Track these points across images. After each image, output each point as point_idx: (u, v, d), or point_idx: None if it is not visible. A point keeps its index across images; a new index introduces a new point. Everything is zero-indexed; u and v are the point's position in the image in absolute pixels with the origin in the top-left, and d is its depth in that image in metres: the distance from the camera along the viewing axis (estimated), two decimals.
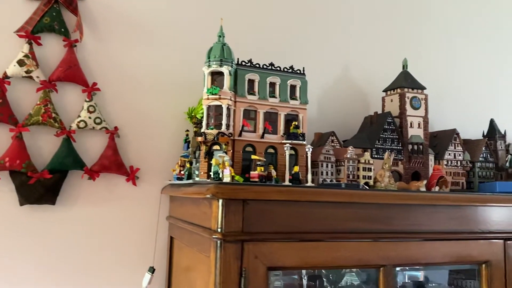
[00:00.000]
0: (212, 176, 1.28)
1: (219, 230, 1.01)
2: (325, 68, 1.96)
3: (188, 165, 1.40)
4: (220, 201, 1.02)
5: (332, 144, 1.64)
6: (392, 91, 1.79)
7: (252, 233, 1.03)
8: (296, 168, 1.35)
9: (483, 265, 1.28)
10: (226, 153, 1.32)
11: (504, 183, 1.59)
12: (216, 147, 1.35)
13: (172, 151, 1.62)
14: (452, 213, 1.24)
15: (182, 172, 1.41)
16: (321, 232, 1.09)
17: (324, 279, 1.66)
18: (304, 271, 1.62)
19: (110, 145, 1.54)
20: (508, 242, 1.31)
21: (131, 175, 1.57)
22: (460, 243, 1.24)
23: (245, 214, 1.03)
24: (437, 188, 1.63)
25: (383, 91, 1.83)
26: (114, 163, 1.53)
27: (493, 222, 1.30)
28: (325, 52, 1.96)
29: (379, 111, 1.81)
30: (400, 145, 1.70)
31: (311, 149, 1.37)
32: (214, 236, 1.01)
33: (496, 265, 1.28)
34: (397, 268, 1.66)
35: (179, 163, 1.45)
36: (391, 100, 1.79)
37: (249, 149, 1.37)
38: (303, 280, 1.67)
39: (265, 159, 1.34)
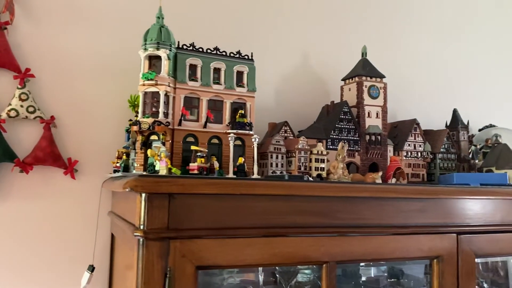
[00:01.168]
0: (148, 168, 1.20)
1: (141, 227, 0.92)
2: (283, 55, 1.87)
3: (124, 156, 1.30)
4: (143, 195, 0.93)
5: (285, 134, 1.56)
6: (350, 79, 1.72)
7: (180, 229, 0.95)
8: (241, 160, 1.27)
9: (435, 260, 1.22)
10: (164, 143, 1.23)
11: (462, 175, 1.54)
12: (154, 137, 1.25)
13: (115, 142, 1.51)
14: (401, 206, 1.17)
15: (118, 164, 1.31)
16: (257, 228, 1.01)
17: (278, 276, 1.59)
18: (260, 268, 1.55)
19: (45, 135, 1.43)
20: (461, 236, 1.25)
21: (69, 167, 1.46)
22: (410, 238, 1.18)
23: (171, 209, 0.94)
24: (393, 180, 1.57)
25: (342, 79, 1.76)
26: (49, 155, 1.42)
27: (445, 215, 1.24)
28: (283, 39, 1.87)
29: (339, 101, 1.74)
30: (357, 136, 1.63)
31: (257, 139, 1.29)
32: (136, 234, 0.92)
33: (448, 260, 1.22)
34: (361, 264, 1.61)
35: (117, 155, 1.35)
36: (349, 89, 1.71)
37: (190, 139, 1.28)
38: (260, 276, 1.59)
39: (206, 150, 1.25)
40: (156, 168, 1.17)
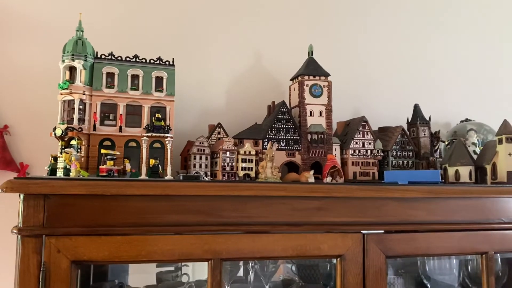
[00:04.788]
0: (63, 171, 1.30)
1: (19, 225, 1.02)
2: (235, 56, 1.90)
3: (52, 161, 1.41)
4: (21, 196, 1.02)
5: (219, 135, 1.60)
6: (295, 79, 1.72)
7: (55, 227, 1.03)
8: (152, 161, 1.33)
9: (338, 259, 1.20)
10: (80, 148, 1.33)
11: (393, 172, 1.49)
12: (73, 142, 1.35)
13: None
14: (295, 204, 1.17)
15: (46, 168, 1.42)
16: (134, 226, 1.07)
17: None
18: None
19: None
20: (368, 235, 1.22)
21: (22, 171, 1.60)
22: (306, 236, 1.17)
23: (47, 208, 1.02)
24: (329, 179, 1.56)
25: (290, 79, 1.76)
26: (1, 160, 1.57)
27: (350, 214, 1.22)
28: (233, 39, 1.91)
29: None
30: (297, 135, 1.63)
31: (171, 142, 1.35)
32: (13, 231, 1.01)
33: (351, 259, 1.20)
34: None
35: (50, 160, 1.46)
36: (294, 89, 1.72)
37: (107, 143, 1.36)
38: None
39: (119, 153, 1.32)
40: (70, 171, 1.27)
